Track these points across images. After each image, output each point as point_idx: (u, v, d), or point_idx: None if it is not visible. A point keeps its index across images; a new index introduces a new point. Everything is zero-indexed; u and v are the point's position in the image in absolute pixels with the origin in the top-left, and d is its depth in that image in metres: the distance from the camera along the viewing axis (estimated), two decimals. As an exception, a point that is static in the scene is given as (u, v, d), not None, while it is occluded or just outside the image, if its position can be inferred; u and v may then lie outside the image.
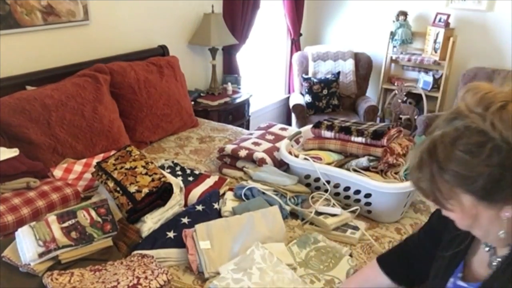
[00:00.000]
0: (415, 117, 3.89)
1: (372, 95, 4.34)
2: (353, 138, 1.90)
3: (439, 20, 3.79)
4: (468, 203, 0.78)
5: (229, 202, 1.78)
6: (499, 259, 0.87)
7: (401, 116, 4.06)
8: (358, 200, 1.81)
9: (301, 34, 4.40)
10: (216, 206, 1.76)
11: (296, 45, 4.36)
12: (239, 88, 3.57)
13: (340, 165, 1.90)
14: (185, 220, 1.63)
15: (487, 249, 0.92)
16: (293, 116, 3.87)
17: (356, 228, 1.68)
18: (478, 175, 0.73)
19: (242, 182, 1.94)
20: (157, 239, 1.53)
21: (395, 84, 4.12)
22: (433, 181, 0.79)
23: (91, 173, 1.89)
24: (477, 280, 0.93)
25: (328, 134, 2.01)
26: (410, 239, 1.23)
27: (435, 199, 0.82)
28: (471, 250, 0.99)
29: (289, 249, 1.55)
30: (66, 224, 1.43)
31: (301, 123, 3.70)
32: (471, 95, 0.77)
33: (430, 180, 0.79)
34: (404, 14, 3.94)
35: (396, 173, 1.81)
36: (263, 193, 1.81)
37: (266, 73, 4.36)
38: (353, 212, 1.78)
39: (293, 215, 1.79)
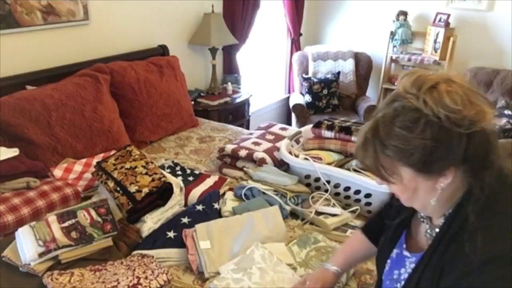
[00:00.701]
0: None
1: (372, 95, 4.34)
2: (353, 138, 1.90)
3: (439, 20, 3.79)
4: (408, 176, 0.85)
5: (229, 202, 1.78)
6: (437, 229, 0.91)
7: (401, 116, 4.05)
8: (358, 200, 1.81)
9: (301, 34, 4.40)
10: (216, 206, 1.76)
11: (296, 45, 4.36)
12: (239, 88, 3.57)
13: (340, 165, 1.90)
14: (185, 220, 1.63)
15: (422, 219, 0.98)
16: (293, 116, 3.86)
17: (356, 228, 1.68)
18: (414, 148, 0.80)
19: (242, 182, 1.94)
20: (157, 239, 1.53)
21: (395, 84, 4.12)
22: (377, 158, 0.86)
23: (91, 173, 1.89)
24: (420, 250, 0.96)
25: (328, 134, 2.01)
26: (385, 205, 1.25)
27: (379, 174, 0.89)
28: (414, 221, 1.04)
29: (289, 249, 1.55)
30: (66, 224, 1.43)
31: (301, 123, 3.69)
32: (407, 79, 0.84)
33: (374, 157, 0.86)
34: (404, 14, 3.94)
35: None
36: (263, 193, 1.80)
37: (266, 73, 4.36)
38: (353, 212, 1.78)
39: (293, 215, 1.79)
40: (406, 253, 1.00)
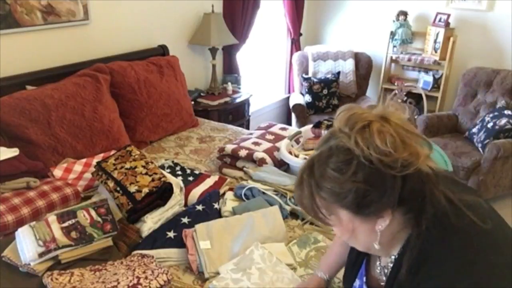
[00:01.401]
0: (415, 117, 3.89)
1: (372, 95, 4.34)
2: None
3: (439, 20, 3.79)
4: (345, 217, 0.81)
5: (229, 202, 1.78)
6: (385, 270, 0.89)
7: (401, 116, 4.05)
8: (358, 200, 1.80)
9: (301, 34, 4.39)
10: (216, 206, 1.76)
11: (296, 45, 4.36)
12: (239, 88, 3.57)
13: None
14: (185, 220, 1.63)
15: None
16: (293, 116, 3.86)
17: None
18: (347, 191, 0.77)
19: (242, 182, 1.94)
20: (157, 239, 1.53)
21: (395, 84, 4.12)
22: (312, 198, 0.82)
23: (91, 173, 1.89)
24: (378, 285, 0.95)
25: (328, 134, 2.00)
26: None
27: (316, 215, 0.86)
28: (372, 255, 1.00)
29: (289, 249, 1.55)
30: (66, 224, 1.43)
31: (301, 123, 3.69)
32: (342, 115, 0.80)
33: (309, 198, 0.83)
34: (404, 14, 3.94)
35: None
36: (263, 193, 1.80)
37: (266, 72, 4.36)
38: (353, 212, 1.77)
39: (293, 215, 1.79)
40: (365, 287, 0.99)
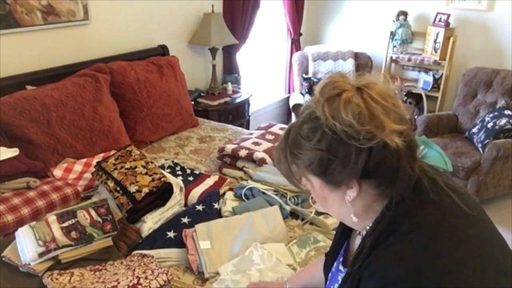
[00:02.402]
0: (415, 117, 3.89)
1: (372, 95, 4.33)
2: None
3: (439, 20, 3.79)
4: (316, 185, 0.83)
5: (229, 202, 1.78)
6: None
7: (401, 116, 4.05)
8: (358, 200, 1.81)
9: (301, 34, 4.39)
10: (216, 206, 1.76)
11: (296, 45, 4.36)
12: (239, 88, 3.57)
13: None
14: (185, 220, 1.63)
15: (358, 232, 0.94)
16: (293, 116, 3.87)
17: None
18: (311, 158, 0.78)
19: (242, 182, 1.95)
20: (157, 239, 1.53)
21: (394, 84, 4.11)
22: (287, 163, 0.84)
23: (91, 173, 1.89)
24: None
25: (328, 134, 2.00)
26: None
27: (290, 180, 0.87)
28: (353, 233, 0.99)
29: (289, 249, 1.55)
30: (66, 224, 1.43)
31: (301, 123, 3.69)
32: (320, 83, 0.80)
33: (284, 162, 0.85)
34: (404, 14, 3.94)
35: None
36: (263, 193, 1.80)
37: (266, 72, 4.36)
38: (353, 212, 1.77)
39: (293, 215, 1.79)
40: (340, 267, 0.97)
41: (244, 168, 2.08)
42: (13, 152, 1.80)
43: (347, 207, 0.82)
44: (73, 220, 1.45)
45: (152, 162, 1.79)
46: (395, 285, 0.71)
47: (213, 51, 3.26)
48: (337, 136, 0.74)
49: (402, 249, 0.74)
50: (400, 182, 0.76)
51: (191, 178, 2.01)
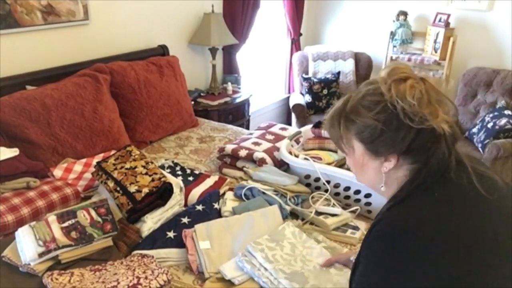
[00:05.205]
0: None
1: (372, 95, 4.33)
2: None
3: (439, 20, 3.79)
4: (359, 151, 0.95)
5: (229, 202, 1.78)
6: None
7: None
8: (358, 200, 1.81)
9: (301, 34, 4.39)
10: (216, 206, 1.76)
11: (296, 45, 4.36)
12: (239, 88, 3.57)
13: (340, 165, 1.90)
14: (185, 220, 1.63)
15: None
16: (293, 116, 3.86)
17: (356, 228, 1.68)
18: (366, 126, 0.89)
19: (242, 182, 1.94)
20: (157, 239, 1.53)
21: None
22: (339, 128, 0.96)
23: (91, 173, 1.88)
24: None
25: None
26: None
27: (338, 144, 0.99)
28: None
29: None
30: (66, 224, 1.43)
31: (301, 123, 3.69)
32: (388, 67, 0.93)
33: (337, 127, 0.96)
34: (404, 14, 3.94)
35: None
36: (263, 193, 1.80)
37: (266, 72, 4.36)
38: (353, 212, 1.78)
39: (293, 215, 1.79)
40: None
41: (244, 168, 2.08)
42: (13, 152, 1.80)
43: (381, 177, 0.94)
44: (73, 220, 1.45)
45: (152, 162, 1.79)
46: (386, 237, 0.85)
47: (213, 51, 3.26)
48: (395, 112, 0.85)
49: (402, 212, 0.86)
50: (433, 162, 0.87)
51: (191, 178, 2.01)
